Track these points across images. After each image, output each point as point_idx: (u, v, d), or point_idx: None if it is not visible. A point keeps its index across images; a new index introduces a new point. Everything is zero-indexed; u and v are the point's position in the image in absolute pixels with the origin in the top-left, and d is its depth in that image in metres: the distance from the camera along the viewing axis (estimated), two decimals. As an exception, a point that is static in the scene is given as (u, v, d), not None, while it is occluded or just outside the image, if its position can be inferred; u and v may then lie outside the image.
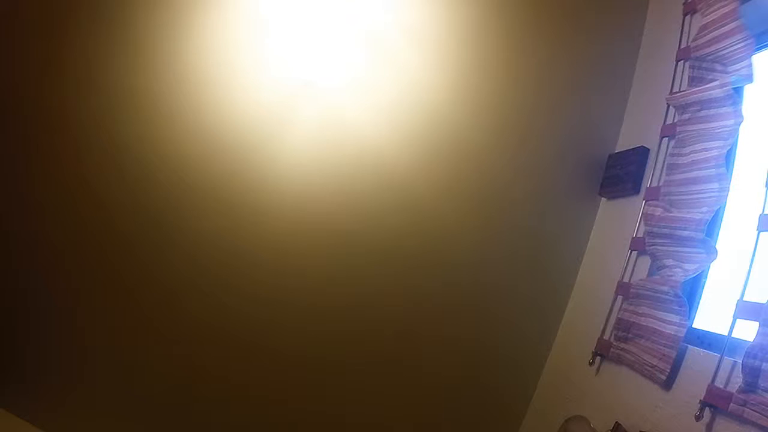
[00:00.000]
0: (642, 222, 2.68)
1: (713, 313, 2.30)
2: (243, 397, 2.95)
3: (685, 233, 2.34)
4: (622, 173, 3.00)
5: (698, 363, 2.09)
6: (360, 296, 3.00)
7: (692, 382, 2.06)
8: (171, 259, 2.90)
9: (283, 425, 3.00)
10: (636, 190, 2.87)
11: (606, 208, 3.16)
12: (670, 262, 2.43)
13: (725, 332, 2.00)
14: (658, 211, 2.57)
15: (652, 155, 2.85)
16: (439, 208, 3.05)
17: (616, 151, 3.17)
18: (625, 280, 2.69)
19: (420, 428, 3.09)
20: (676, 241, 2.40)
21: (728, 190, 2.27)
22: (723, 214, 2.40)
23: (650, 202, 2.66)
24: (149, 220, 2.90)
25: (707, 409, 1.92)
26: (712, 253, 2.22)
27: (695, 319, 2.35)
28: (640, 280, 2.55)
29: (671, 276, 2.37)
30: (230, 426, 2.95)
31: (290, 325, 2.95)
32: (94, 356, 2.90)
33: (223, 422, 2.95)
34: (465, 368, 3.11)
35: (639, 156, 2.90)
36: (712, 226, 2.33)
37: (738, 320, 1.96)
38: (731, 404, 1.80)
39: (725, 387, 1.89)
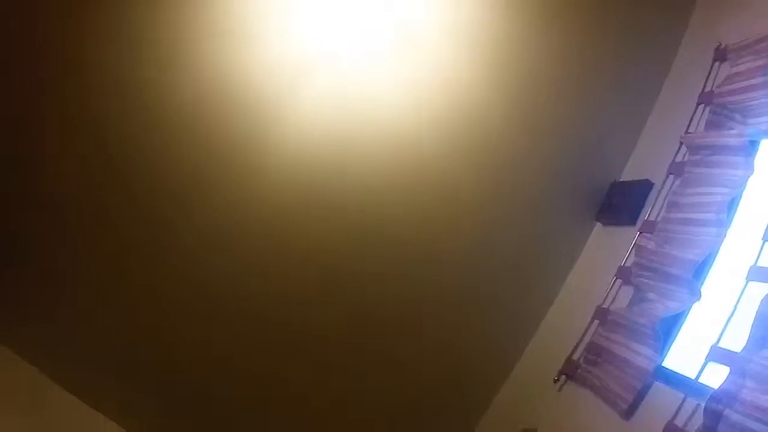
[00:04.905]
0: (633, 253, 2.68)
1: (685, 356, 2.31)
2: (224, 360, 2.96)
3: (674, 271, 2.35)
4: (622, 202, 3.00)
5: (661, 399, 2.10)
6: (346, 275, 3.00)
7: (652, 417, 2.07)
8: (177, 222, 2.89)
9: (274, 398, 3.04)
10: (632, 221, 2.86)
11: (600, 233, 3.16)
12: (653, 296, 2.44)
13: (693, 376, 2.02)
14: (651, 245, 2.57)
15: (655, 190, 2.84)
16: (437, 200, 3.04)
17: (621, 180, 3.17)
18: (605, 306, 2.69)
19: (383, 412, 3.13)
20: (663, 277, 2.41)
21: (724, 237, 2.28)
22: (714, 258, 2.40)
23: (645, 234, 2.67)
24: (154, 172, 2.85)
25: (662, 446, 1.93)
26: (695, 294, 2.24)
27: (667, 357, 2.34)
28: (620, 308, 2.56)
29: (652, 310, 2.38)
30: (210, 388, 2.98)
31: (285, 293, 2.96)
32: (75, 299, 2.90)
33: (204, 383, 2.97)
34: (431, 362, 3.11)
35: (642, 188, 2.90)
36: (701, 269, 2.34)
37: (709, 364, 1.98)
38: (687, 445, 1.82)
39: (683, 427, 1.90)
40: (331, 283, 2.99)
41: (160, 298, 2.89)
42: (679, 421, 1.93)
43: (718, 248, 2.32)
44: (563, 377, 2.70)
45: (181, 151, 2.85)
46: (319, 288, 2.99)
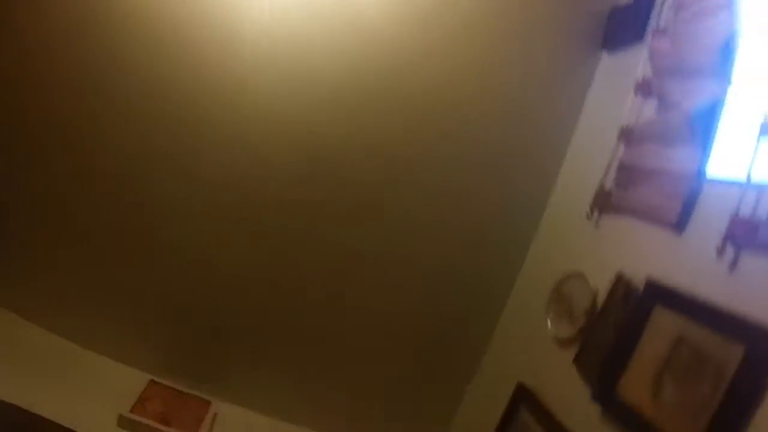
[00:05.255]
0: (648, 63, 2.43)
1: (730, 159, 2.03)
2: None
3: (696, 62, 2.12)
4: (626, 24, 2.75)
5: (716, 198, 1.87)
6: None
7: (709, 222, 1.84)
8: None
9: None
10: (640, 38, 2.59)
11: (608, 61, 2.89)
12: (679, 96, 2.20)
13: (744, 175, 1.77)
14: (666, 45, 2.33)
15: (657, 4, 2.55)
16: (428, 60, 2.86)
17: (619, 4, 2.89)
18: (629, 125, 2.45)
19: (410, 284, 3.07)
20: (686, 73, 2.17)
21: (738, 20, 2.01)
22: (736, 42, 2.14)
23: (657, 38, 2.41)
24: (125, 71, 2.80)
25: (730, 243, 1.71)
26: (726, 81, 1.99)
27: (711, 159, 2.06)
28: (646, 121, 2.34)
29: (681, 109, 2.15)
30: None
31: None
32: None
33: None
34: (455, 226, 3.00)
35: (644, 4, 2.63)
36: (725, 54, 2.08)
37: (761, 145, 1.74)
38: (761, 233, 1.61)
39: (752, 218, 1.67)
40: (321, 165, 2.94)
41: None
42: (744, 213, 1.71)
43: (737, 29, 2.04)
44: (596, 211, 2.50)
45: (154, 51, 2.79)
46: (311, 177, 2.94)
